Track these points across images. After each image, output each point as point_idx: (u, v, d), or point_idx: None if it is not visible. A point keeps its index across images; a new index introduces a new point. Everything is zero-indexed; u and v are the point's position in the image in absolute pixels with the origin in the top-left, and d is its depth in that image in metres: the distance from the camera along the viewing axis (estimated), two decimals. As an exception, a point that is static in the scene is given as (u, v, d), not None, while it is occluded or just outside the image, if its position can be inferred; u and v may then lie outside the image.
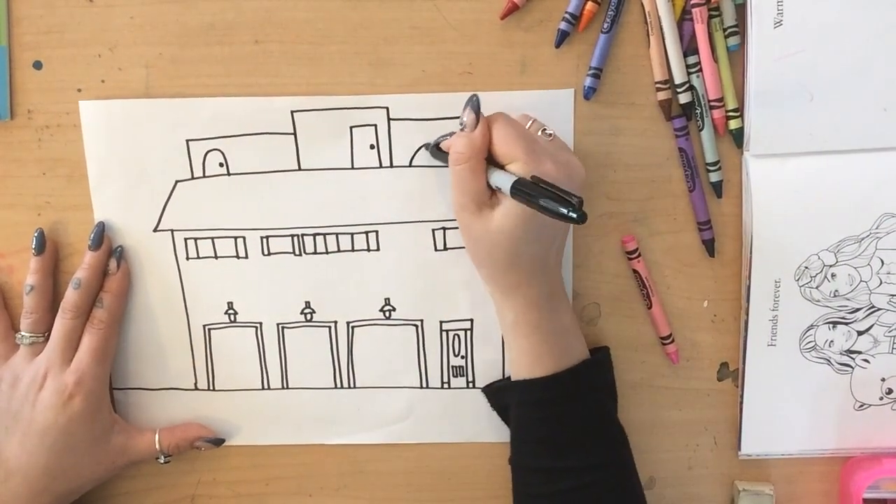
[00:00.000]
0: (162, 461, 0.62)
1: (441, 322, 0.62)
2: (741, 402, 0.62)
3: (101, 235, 0.59)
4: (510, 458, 0.59)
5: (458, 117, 0.58)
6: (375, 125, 0.59)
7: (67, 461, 0.57)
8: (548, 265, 0.55)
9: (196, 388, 0.63)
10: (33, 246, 0.59)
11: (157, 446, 0.61)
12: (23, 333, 0.59)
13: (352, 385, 0.63)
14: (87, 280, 0.59)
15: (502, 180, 0.51)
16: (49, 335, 0.59)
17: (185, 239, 0.61)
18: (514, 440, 0.58)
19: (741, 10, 0.56)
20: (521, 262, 0.54)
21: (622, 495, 0.56)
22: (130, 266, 0.61)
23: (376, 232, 0.61)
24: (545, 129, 0.56)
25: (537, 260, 0.54)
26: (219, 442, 0.63)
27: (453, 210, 0.55)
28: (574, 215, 0.46)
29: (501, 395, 0.61)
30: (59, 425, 0.57)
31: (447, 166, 0.54)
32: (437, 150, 0.57)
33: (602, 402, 0.58)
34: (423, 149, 0.59)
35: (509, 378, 0.60)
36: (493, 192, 0.53)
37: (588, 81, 0.58)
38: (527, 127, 0.55)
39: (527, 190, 0.49)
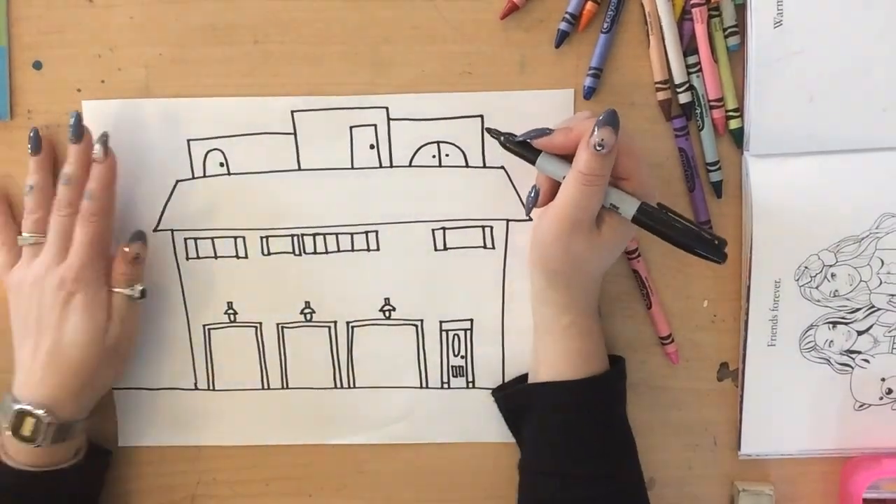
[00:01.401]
0: (138, 296, 0.59)
1: (441, 322, 0.62)
2: (741, 402, 0.62)
3: (80, 126, 0.57)
4: (521, 461, 0.59)
5: (457, 118, 0.58)
6: (375, 125, 0.59)
7: (76, 357, 0.56)
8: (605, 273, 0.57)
9: (196, 388, 0.63)
10: (30, 146, 0.58)
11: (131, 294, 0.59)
12: (24, 235, 0.58)
13: (351, 385, 0.63)
14: (76, 174, 0.57)
15: (624, 203, 0.51)
16: None
17: (185, 239, 0.61)
18: (534, 443, 0.58)
19: (741, 10, 0.56)
20: (600, 273, 0.56)
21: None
22: None
23: (376, 232, 0.61)
24: None
25: (606, 269, 0.56)
26: (140, 235, 0.59)
27: (558, 225, 0.52)
28: (718, 260, 0.48)
29: (523, 396, 0.59)
30: (61, 323, 0.56)
31: (531, 162, 0.53)
32: (525, 146, 0.53)
33: (624, 408, 0.58)
34: (497, 138, 0.54)
35: (522, 379, 0.60)
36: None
37: (588, 81, 0.58)
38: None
39: (661, 219, 0.50)
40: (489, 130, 0.55)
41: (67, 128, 0.57)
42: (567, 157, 0.52)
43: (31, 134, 0.58)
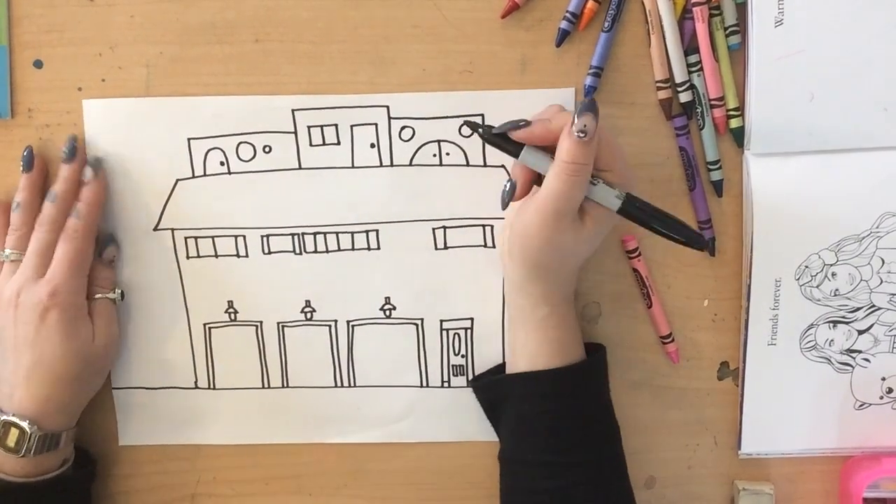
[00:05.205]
0: (120, 299, 0.61)
1: (441, 321, 0.62)
2: (741, 402, 0.62)
3: (75, 148, 0.58)
4: (502, 451, 0.59)
5: (458, 116, 0.59)
6: (376, 124, 0.59)
7: (59, 370, 0.56)
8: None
9: (196, 387, 0.63)
10: (22, 164, 0.58)
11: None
12: (7, 251, 0.58)
13: (352, 384, 0.63)
14: (64, 193, 0.57)
15: (608, 193, 0.51)
16: None
17: (186, 238, 0.61)
18: (514, 433, 0.58)
19: (742, 9, 0.56)
20: (579, 264, 0.56)
21: (619, 491, 0.56)
22: (131, 264, 0.61)
23: (376, 231, 0.61)
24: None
25: (586, 260, 0.56)
26: (112, 238, 0.61)
27: (542, 217, 0.51)
28: (702, 247, 0.51)
29: (500, 386, 0.59)
30: (39, 340, 0.56)
31: (514, 156, 0.52)
32: (504, 139, 0.52)
33: (606, 396, 0.58)
34: (476, 130, 0.53)
35: (499, 369, 0.60)
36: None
37: (588, 80, 0.58)
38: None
39: (649, 210, 0.51)
40: (468, 123, 0.55)
41: (61, 150, 0.58)
42: (548, 150, 0.52)
43: (25, 153, 0.58)
